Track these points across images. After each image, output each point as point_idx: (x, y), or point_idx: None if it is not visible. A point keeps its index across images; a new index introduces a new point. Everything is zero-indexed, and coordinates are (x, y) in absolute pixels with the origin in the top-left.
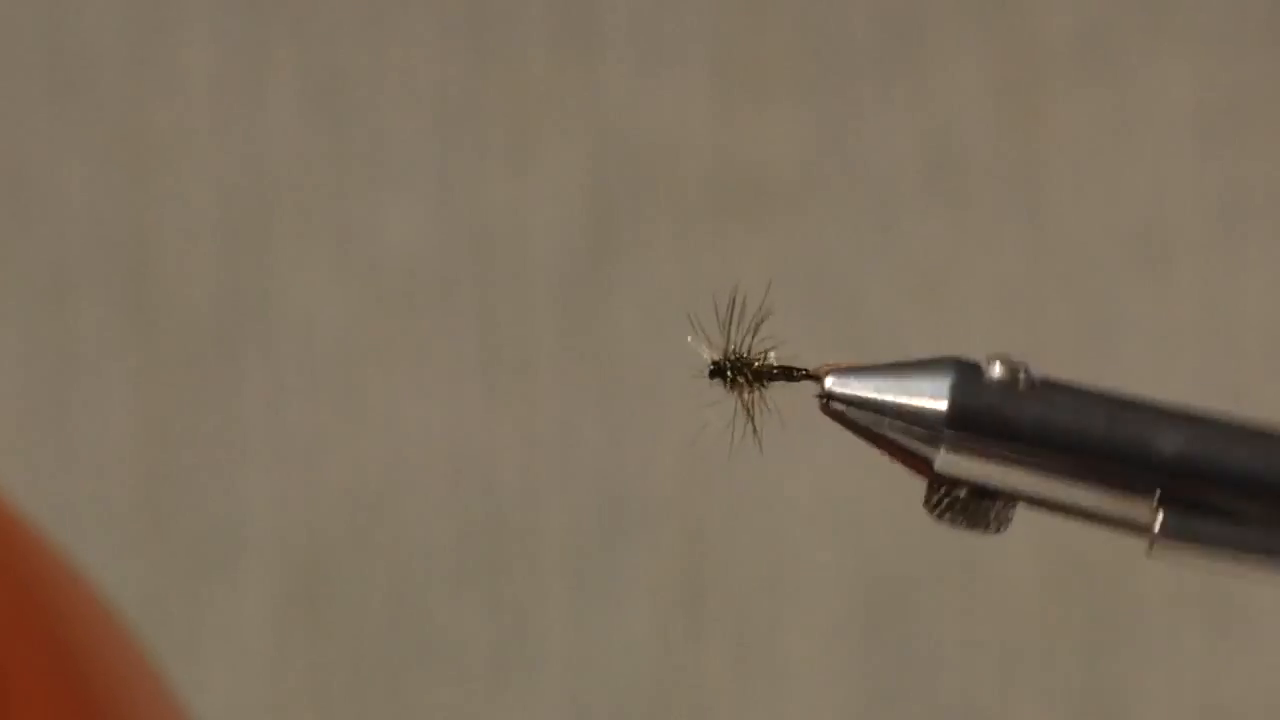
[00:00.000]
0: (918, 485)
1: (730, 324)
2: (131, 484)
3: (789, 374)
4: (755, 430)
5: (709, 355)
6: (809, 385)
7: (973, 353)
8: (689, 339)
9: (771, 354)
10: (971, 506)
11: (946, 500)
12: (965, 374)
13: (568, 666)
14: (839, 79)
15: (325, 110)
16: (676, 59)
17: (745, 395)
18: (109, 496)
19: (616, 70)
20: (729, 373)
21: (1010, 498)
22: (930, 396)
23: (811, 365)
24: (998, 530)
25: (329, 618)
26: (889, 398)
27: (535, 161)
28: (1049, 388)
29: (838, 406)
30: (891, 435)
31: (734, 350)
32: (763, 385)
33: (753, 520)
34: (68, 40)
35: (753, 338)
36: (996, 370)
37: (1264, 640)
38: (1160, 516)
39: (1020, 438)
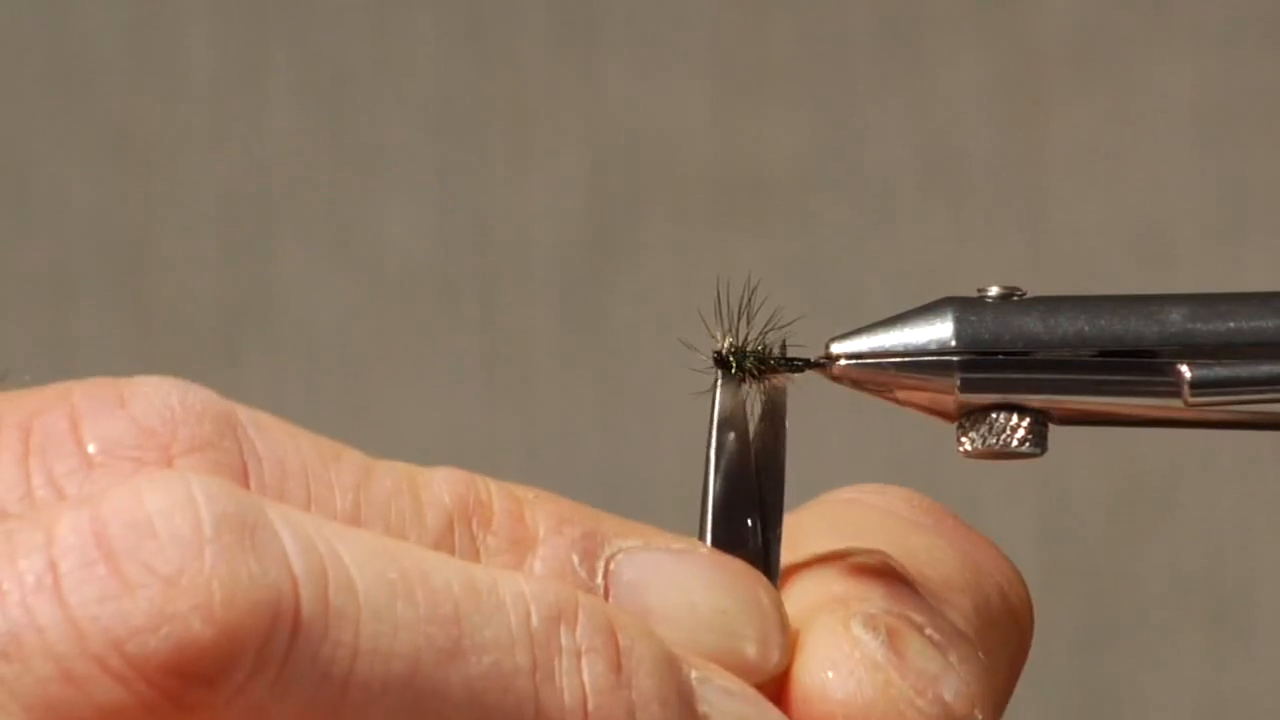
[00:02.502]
0: (917, 483)
1: (736, 315)
2: None
3: (791, 364)
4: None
5: (713, 346)
6: (810, 381)
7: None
8: (695, 327)
9: (775, 345)
10: (1001, 429)
11: (975, 431)
12: (965, 302)
13: None
14: (839, 79)
15: (325, 110)
16: (676, 59)
17: (748, 386)
18: None
19: (616, 70)
20: (732, 363)
21: (1038, 413)
22: (935, 332)
23: (814, 358)
24: (1035, 451)
25: None
26: (896, 344)
27: (535, 161)
28: (1047, 299)
29: (845, 368)
30: (905, 384)
31: (734, 341)
32: (766, 377)
33: None
34: (68, 40)
35: (755, 329)
36: (993, 291)
37: (1264, 640)
38: (1187, 372)
39: (1032, 342)
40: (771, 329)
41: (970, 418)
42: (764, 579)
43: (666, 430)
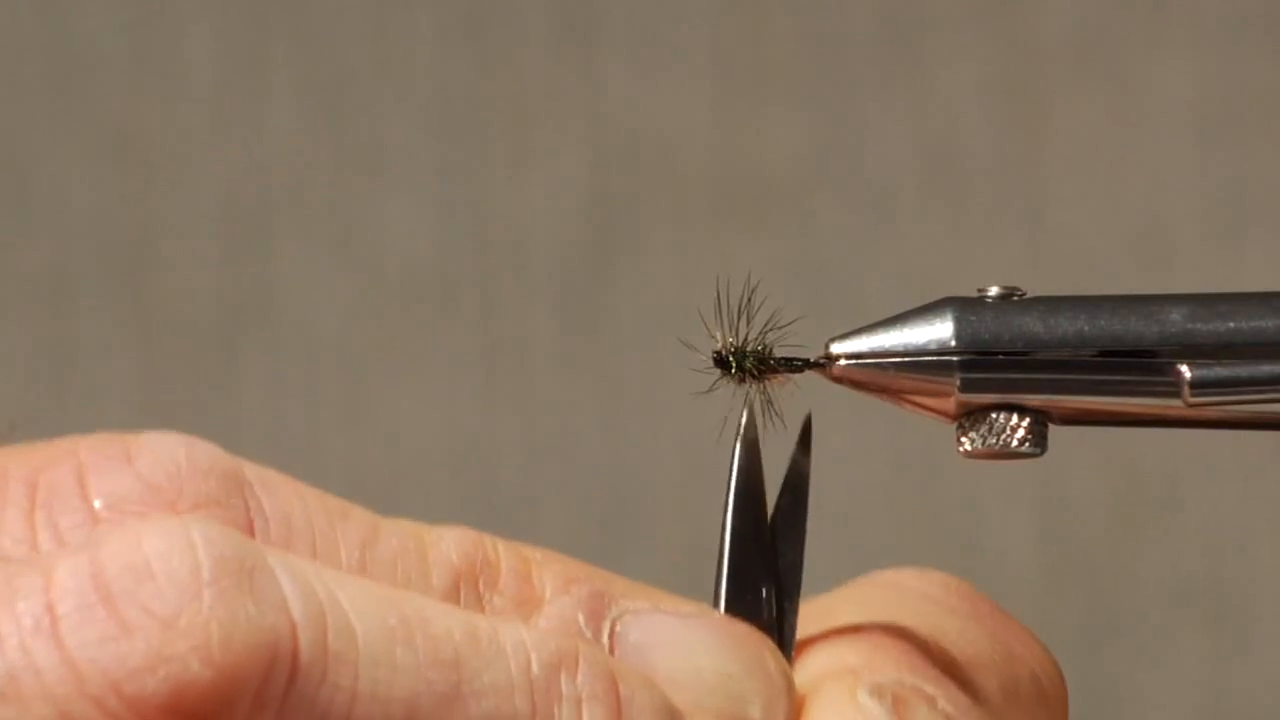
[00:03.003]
0: (917, 483)
1: (736, 316)
2: None
3: (791, 364)
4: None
5: (712, 346)
6: (810, 381)
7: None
8: (696, 327)
9: (775, 345)
10: (1001, 429)
11: (975, 431)
12: (965, 302)
13: None
14: (839, 79)
15: (325, 110)
16: (676, 59)
17: (748, 386)
18: None
19: (616, 70)
20: (732, 363)
21: (1038, 412)
22: (935, 332)
23: (813, 358)
24: (1035, 451)
25: None
26: (896, 344)
27: (535, 161)
28: (1047, 299)
29: (845, 368)
30: (905, 384)
31: (734, 341)
32: (766, 376)
33: None
34: (68, 40)
35: (755, 329)
36: (993, 291)
37: (1264, 640)
38: (1187, 372)
39: (1032, 342)
40: (771, 329)
41: (970, 418)
42: (770, 644)
43: (666, 430)
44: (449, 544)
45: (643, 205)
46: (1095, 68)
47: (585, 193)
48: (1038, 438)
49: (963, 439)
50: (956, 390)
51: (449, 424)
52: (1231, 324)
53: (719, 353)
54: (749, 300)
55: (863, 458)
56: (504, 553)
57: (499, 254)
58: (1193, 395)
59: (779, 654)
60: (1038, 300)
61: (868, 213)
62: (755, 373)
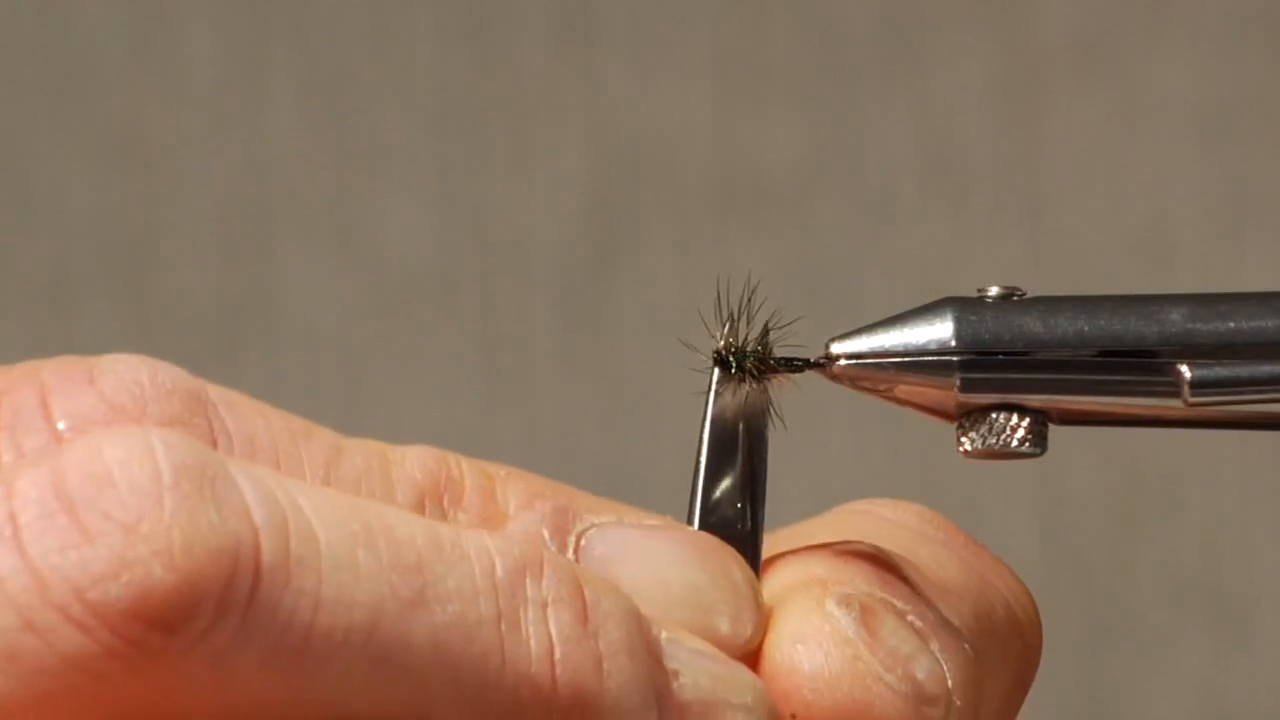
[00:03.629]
0: (917, 483)
1: (736, 315)
2: None
3: (791, 364)
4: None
5: (712, 345)
6: (810, 381)
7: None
8: (696, 327)
9: (775, 345)
10: (1001, 429)
11: (975, 431)
12: (965, 302)
13: None
14: (839, 79)
15: (325, 111)
16: (676, 59)
17: (748, 386)
18: None
19: (616, 70)
20: (732, 363)
21: (1038, 413)
22: (935, 332)
23: (813, 358)
24: (1035, 451)
25: None
26: (896, 344)
27: (535, 161)
28: (1047, 299)
29: (846, 368)
30: (905, 385)
31: (734, 341)
32: (765, 377)
33: None
34: (68, 40)
35: (755, 329)
36: (993, 291)
37: (1264, 640)
38: (1187, 372)
39: (1032, 342)
40: (772, 329)
41: (970, 418)
42: (737, 555)
43: (666, 430)
44: (413, 462)
45: (643, 205)
46: (1095, 68)
47: (585, 193)
48: (1038, 438)
49: (963, 439)
50: (956, 390)
51: (449, 424)
52: (1231, 324)
53: (719, 352)
54: (749, 300)
55: (863, 458)
56: (468, 470)
57: (499, 254)
58: (1193, 395)
59: (746, 565)
60: (1038, 300)
61: (868, 213)
62: (755, 373)
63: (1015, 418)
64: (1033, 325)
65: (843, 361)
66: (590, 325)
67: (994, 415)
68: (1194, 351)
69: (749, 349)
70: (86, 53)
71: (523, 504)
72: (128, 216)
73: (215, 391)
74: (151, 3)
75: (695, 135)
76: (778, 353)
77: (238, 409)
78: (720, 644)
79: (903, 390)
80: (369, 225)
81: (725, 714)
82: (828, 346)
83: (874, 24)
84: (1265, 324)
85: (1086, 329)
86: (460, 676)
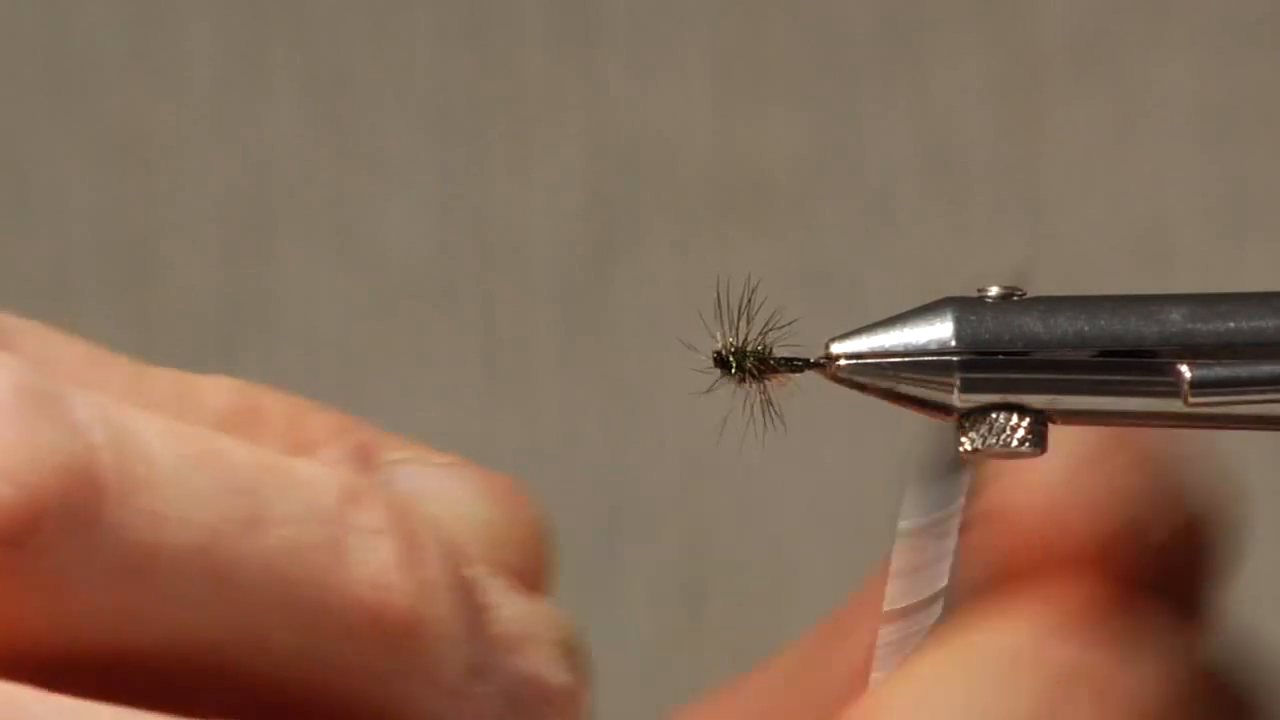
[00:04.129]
0: None
1: (736, 315)
2: None
3: (791, 364)
4: (763, 421)
5: (712, 346)
6: (811, 381)
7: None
8: (696, 327)
9: (775, 345)
10: (1001, 429)
11: (975, 431)
12: (965, 302)
13: None
14: (839, 79)
15: (325, 110)
16: (676, 59)
17: (748, 386)
18: None
19: (616, 70)
20: (732, 363)
21: (1038, 413)
22: (935, 332)
23: (813, 358)
24: (1034, 451)
25: None
26: (895, 344)
27: (535, 161)
28: (1047, 298)
29: (846, 368)
30: (905, 385)
31: (734, 341)
32: (765, 377)
33: (754, 520)
34: (68, 40)
35: (755, 329)
36: (994, 291)
37: (1264, 640)
38: (1187, 372)
39: (1032, 342)
40: (771, 329)
41: (970, 418)
42: (531, 495)
43: (666, 430)
44: (217, 389)
45: (643, 205)
46: (1095, 68)
47: (585, 193)
48: (1038, 438)
49: (963, 439)
50: (957, 390)
51: (449, 424)
52: (1231, 324)
53: (719, 353)
54: (749, 301)
55: (863, 458)
56: (273, 401)
57: (499, 254)
58: (1193, 395)
59: (539, 505)
60: (1038, 300)
61: (868, 213)
62: (755, 373)
63: (1015, 417)
64: (1033, 325)
65: (843, 361)
66: (590, 325)
67: (994, 415)
68: (1194, 351)
69: (748, 349)
70: (86, 53)
71: (328, 437)
72: (128, 216)
73: (9, 320)
74: (151, 2)
75: (695, 135)
76: (778, 352)
77: (33, 335)
78: (520, 578)
79: (902, 390)
80: (369, 225)
81: (535, 648)
82: (827, 346)
83: (874, 24)
84: (1265, 324)
85: (1086, 329)
86: (293, 599)
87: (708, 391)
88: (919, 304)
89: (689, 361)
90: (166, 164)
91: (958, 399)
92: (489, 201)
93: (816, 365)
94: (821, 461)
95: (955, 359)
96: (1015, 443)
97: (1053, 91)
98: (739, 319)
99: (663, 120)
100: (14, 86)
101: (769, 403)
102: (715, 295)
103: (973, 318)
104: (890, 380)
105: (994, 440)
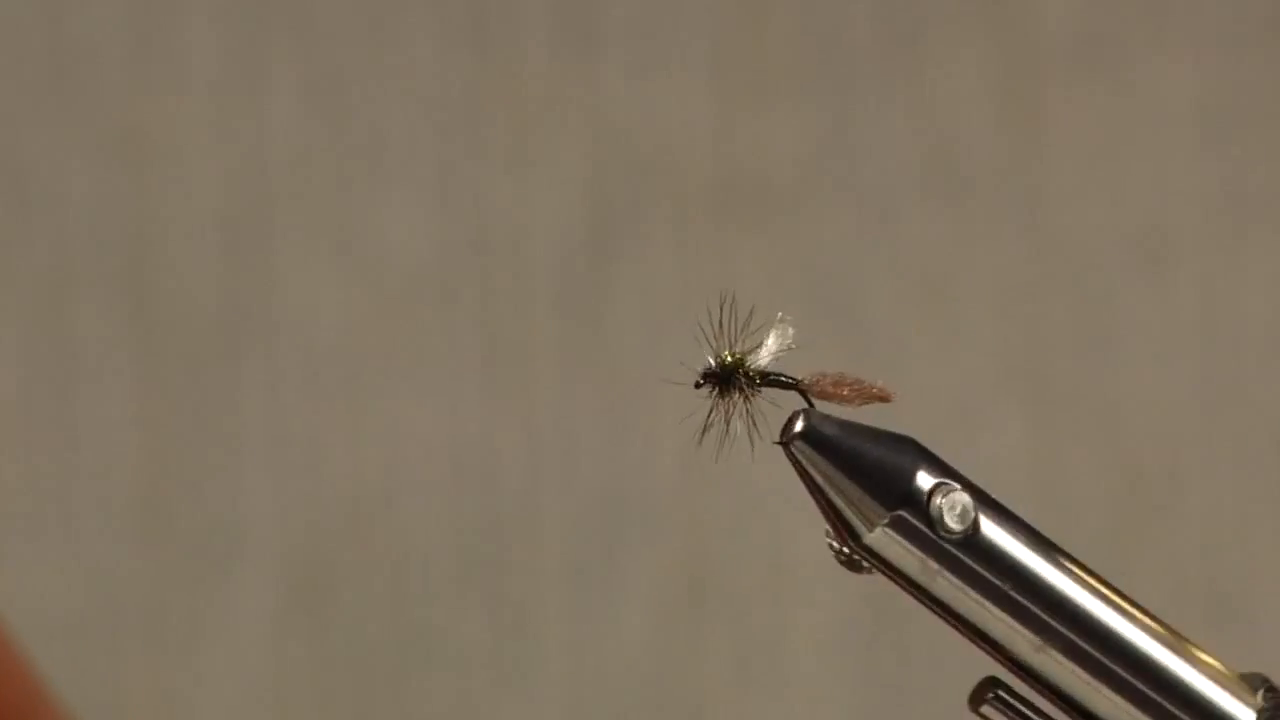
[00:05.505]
0: None
1: (723, 330)
2: (132, 484)
3: (778, 382)
4: (750, 434)
5: (701, 364)
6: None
7: (974, 357)
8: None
9: (763, 359)
10: (866, 570)
11: (857, 563)
12: (912, 499)
13: (567, 666)
14: (839, 79)
15: (325, 110)
16: (676, 59)
17: (736, 401)
18: (109, 496)
19: (616, 70)
20: (720, 380)
21: (922, 592)
22: (881, 490)
23: (803, 372)
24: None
25: (329, 617)
26: (844, 475)
27: (535, 161)
28: (981, 541)
29: (798, 451)
30: (834, 499)
31: (722, 358)
32: (754, 392)
33: (753, 520)
34: (68, 39)
35: (745, 343)
36: (936, 506)
37: (1264, 640)
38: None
39: (944, 567)
40: (758, 346)
41: (861, 553)
42: None
43: (667, 430)
44: None
45: (643, 205)
46: (1095, 68)
47: (585, 193)
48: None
49: (848, 553)
50: (882, 525)
51: (449, 424)
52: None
53: (706, 371)
54: (733, 316)
55: None
56: None
57: (499, 254)
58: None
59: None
60: (967, 540)
61: (868, 213)
62: (743, 388)
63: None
64: (949, 564)
65: (795, 448)
66: (590, 325)
67: (866, 566)
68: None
69: (736, 367)
70: (86, 50)
71: None
72: (127, 215)
73: None
74: (151, 3)
75: (695, 135)
76: (769, 367)
77: None
78: None
79: (833, 497)
80: (369, 224)
81: None
82: (808, 390)
83: (874, 24)
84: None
85: (994, 597)
86: None
87: (704, 413)
88: (918, 304)
89: (689, 361)
90: (166, 162)
91: (869, 539)
92: (489, 201)
93: (799, 388)
94: None
95: (894, 513)
96: (866, 570)
97: (1053, 91)
98: (727, 335)
99: (663, 120)
100: (14, 85)
101: (758, 411)
102: (708, 311)
103: (910, 519)
104: (837, 481)
105: (860, 569)
